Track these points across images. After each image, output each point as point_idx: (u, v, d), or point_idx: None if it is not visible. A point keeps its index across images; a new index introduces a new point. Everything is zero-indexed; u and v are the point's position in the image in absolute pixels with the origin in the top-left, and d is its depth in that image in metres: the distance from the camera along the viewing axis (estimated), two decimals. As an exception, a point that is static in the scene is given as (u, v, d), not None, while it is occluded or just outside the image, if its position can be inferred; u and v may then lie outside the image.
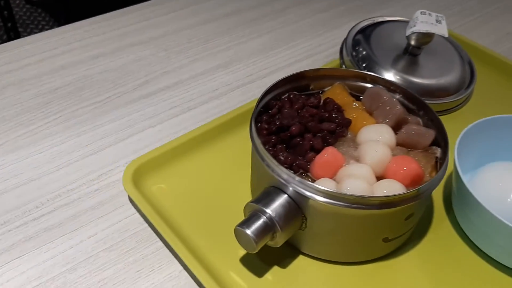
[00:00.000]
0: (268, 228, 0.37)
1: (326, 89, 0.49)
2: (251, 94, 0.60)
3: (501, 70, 0.65)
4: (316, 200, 0.37)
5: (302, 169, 0.41)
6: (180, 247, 0.40)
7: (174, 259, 0.42)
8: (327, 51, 0.68)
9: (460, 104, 0.60)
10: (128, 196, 0.46)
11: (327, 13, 0.77)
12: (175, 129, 0.55)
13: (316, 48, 0.69)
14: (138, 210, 0.46)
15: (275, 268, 0.41)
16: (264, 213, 0.38)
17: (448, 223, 0.46)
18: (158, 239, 0.44)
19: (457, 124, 0.49)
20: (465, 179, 0.42)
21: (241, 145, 0.51)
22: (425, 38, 0.57)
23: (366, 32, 0.63)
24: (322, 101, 0.47)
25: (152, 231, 0.44)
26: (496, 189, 0.44)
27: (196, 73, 0.63)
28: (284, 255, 0.42)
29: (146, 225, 0.45)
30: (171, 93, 0.59)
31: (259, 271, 0.41)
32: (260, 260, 0.42)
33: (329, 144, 0.42)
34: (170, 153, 0.50)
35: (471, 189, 0.41)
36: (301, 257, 0.42)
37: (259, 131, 0.43)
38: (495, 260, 0.43)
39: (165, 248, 0.43)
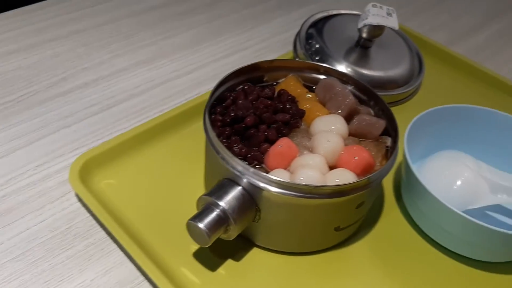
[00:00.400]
0: (222, 221, 0.37)
1: (280, 81, 0.49)
2: (175, 91, 0.58)
3: (447, 61, 0.67)
4: (270, 191, 0.37)
5: (257, 161, 0.41)
6: (129, 242, 0.39)
7: (86, 267, 0.40)
8: (257, 46, 0.67)
9: (409, 95, 0.61)
10: (79, 193, 0.44)
11: (257, 8, 0.76)
12: (92, 128, 0.52)
13: (244, 43, 0.68)
14: (51, 216, 0.43)
15: (229, 262, 0.41)
16: (218, 206, 0.37)
17: (397, 211, 0.47)
18: (69, 247, 0.41)
19: (406, 115, 0.50)
20: (414, 167, 0.43)
21: (194, 138, 0.50)
22: (377, 30, 0.58)
23: (319, 25, 0.63)
24: (276, 92, 0.47)
25: (62, 239, 0.42)
26: (443, 177, 0.46)
27: (117, 69, 0.60)
28: (237, 248, 0.42)
29: (56, 232, 0.42)
30: (90, 91, 0.57)
31: (212, 266, 0.41)
32: (212, 254, 0.41)
33: (283, 135, 0.42)
34: (121, 147, 0.48)
35: (420, 177, 0.42)
36: (254, 249, 0.42)
37: (213, 122, 0.42)
38: (443, 247, 0.44)
39: (76, 256, 0.41)
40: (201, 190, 0.46)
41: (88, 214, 0.44)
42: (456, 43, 0.73)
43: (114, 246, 0.42)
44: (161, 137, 0.51)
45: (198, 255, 0.41)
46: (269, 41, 0.69)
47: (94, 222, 0.44)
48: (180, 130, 0.52)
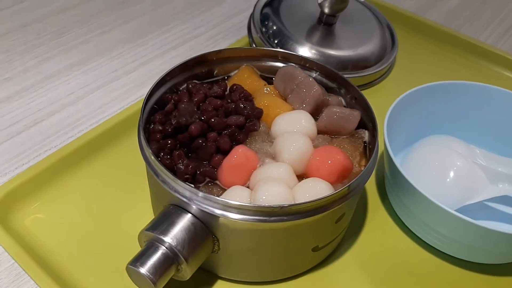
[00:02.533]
0: (169, 260, 0.29)
1: (232, 74, 0.41)
2: (116, 94, 0.50)
3: (421, 31, 0.60)
4: (227, 217, 0.29)
5: (209, 177, 0.33)
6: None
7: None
8: (208, 33, 0.59)
9: (383, 74, 0.54)
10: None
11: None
12: (16, 151, 0.43)
13: (194, 31, 0.59)
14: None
15: (190, 302, 0.34)
16: (163, 242, 0.30)
17: (384, 212, 0.41)
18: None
19: (382, 98, 0.44)
20: (397, 160, 0.36)
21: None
22: (340, 4, 0.51)
23: (274, 4, 0.56)
24: (228, 88, 0.39)
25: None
26: (432, 169, 0.39)
27: (45, 75, 0.51)
28: (198, 283, 0.35)
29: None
30: (12, 105, 0.48)
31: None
32: (169, 295, 0.34)
33: (238, 142, 0.34)
34: (50, 171, 0.40)
35: (404, 170, 0.35)
36: (219, 282, 0.35)
37: (151, 135, 0.35)
38: (439, 250, 0.38)
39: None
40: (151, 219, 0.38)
41: (13, 261, 0.36)
42: (427, 10, 0.66)
43: (46, 298, 0.34)
44: (99, 154, 0.43)
45: (149, 302, 0.33)
46: (222, 26, 0.61)
47: (20, 270, 0.36)
48: (121, 143, 0.44)
